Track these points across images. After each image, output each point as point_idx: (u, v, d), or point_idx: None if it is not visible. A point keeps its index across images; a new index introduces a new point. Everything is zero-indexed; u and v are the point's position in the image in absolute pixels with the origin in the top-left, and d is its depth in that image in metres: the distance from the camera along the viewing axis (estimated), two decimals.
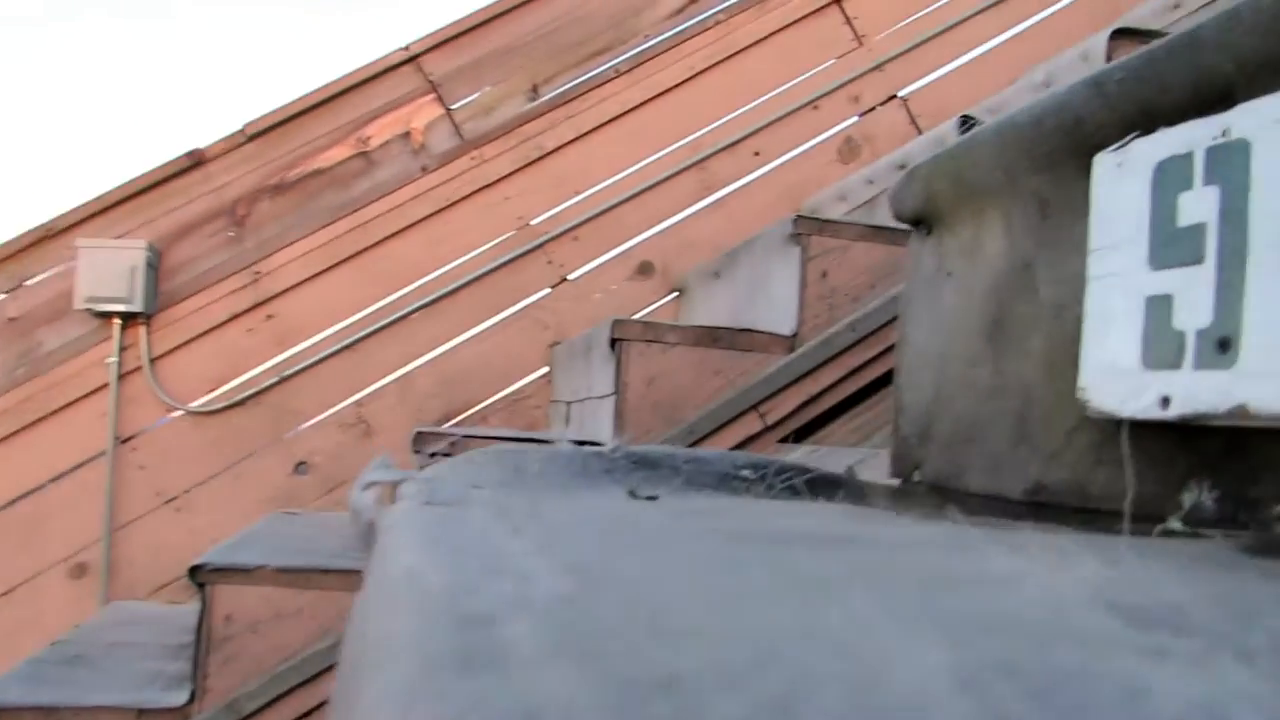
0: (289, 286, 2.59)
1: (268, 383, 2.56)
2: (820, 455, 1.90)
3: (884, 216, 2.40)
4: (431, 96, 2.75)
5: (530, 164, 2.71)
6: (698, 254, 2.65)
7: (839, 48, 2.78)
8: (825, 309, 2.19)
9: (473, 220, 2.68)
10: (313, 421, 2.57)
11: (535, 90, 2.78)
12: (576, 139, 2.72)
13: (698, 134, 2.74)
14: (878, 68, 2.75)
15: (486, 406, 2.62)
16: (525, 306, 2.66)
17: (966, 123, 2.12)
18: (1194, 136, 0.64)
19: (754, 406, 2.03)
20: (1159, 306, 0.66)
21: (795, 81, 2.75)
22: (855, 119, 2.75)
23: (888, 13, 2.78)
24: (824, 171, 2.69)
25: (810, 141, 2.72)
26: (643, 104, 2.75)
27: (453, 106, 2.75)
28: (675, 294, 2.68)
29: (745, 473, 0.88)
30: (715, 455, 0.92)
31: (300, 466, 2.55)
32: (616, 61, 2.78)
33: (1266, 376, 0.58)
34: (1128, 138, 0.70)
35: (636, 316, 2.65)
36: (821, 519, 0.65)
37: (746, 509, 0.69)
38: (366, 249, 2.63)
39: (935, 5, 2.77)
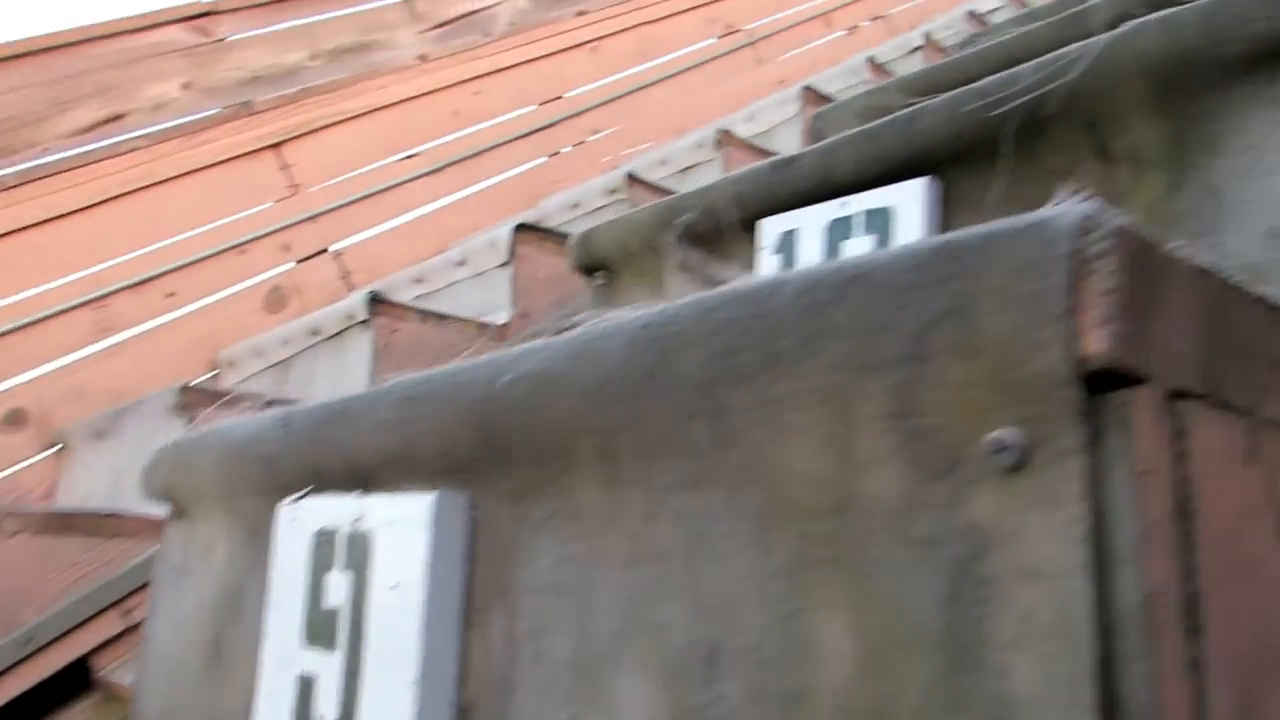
0: None
1: None
2: None
3: (294, 385, 2.32)
4: None
5: None
6: (90, 403, 2.33)
7: (273, 193, 2.69)
8: None
9: None
10: None
11: None
12: None
13: (102, 266, 2.45)
14: (312, 219, 2.69)
15: None
16: None
17: (375, 302, 2.13)
18: (341, 513, 0.64)
19: (117, 603, 1.78)
20: (305, 687, 0.63)
21: (222, 222, 2.60)
22: (287, 267, 2.66)
23: (326, 166, 2.75)
24: (248, 320, 2.55)
25: (234, 286, 2.57)
26: (35, 225, 2.40)
27: None
28: (58, 447, 2.32)
29: None
30: None
31: None
32: (4, 173, 2.40)
33: None
34: (302, 493, 0.68)
35: (2, 474, 2.25)
36: None
37: None
38: None
39: (374, 165, 2.80)
